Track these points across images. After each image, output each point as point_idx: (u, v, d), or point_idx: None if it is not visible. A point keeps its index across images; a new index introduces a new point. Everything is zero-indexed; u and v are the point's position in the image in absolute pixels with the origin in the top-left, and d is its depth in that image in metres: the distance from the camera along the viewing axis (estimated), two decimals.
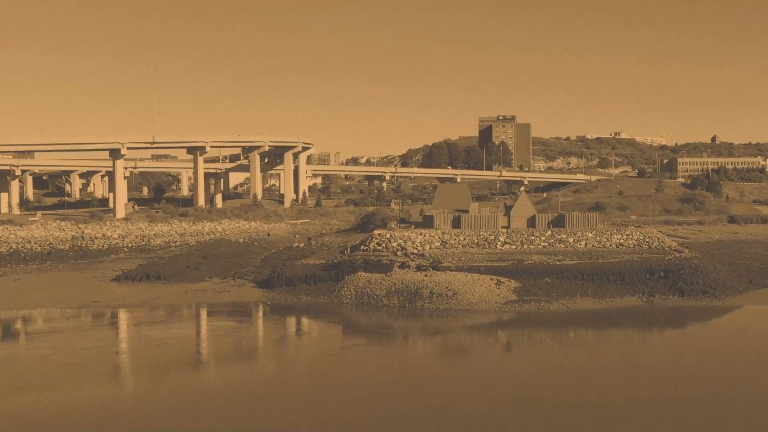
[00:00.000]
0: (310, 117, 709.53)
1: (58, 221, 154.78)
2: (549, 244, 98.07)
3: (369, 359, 61.92)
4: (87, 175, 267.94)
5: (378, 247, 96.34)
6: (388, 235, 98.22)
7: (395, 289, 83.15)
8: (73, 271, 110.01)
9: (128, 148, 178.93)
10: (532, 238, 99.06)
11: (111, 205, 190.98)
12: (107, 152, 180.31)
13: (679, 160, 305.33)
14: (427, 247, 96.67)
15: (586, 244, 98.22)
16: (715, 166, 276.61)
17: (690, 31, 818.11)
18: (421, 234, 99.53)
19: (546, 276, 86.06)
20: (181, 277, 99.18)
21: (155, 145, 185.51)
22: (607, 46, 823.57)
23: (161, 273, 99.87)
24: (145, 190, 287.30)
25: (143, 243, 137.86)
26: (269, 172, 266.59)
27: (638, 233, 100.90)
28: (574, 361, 61.23)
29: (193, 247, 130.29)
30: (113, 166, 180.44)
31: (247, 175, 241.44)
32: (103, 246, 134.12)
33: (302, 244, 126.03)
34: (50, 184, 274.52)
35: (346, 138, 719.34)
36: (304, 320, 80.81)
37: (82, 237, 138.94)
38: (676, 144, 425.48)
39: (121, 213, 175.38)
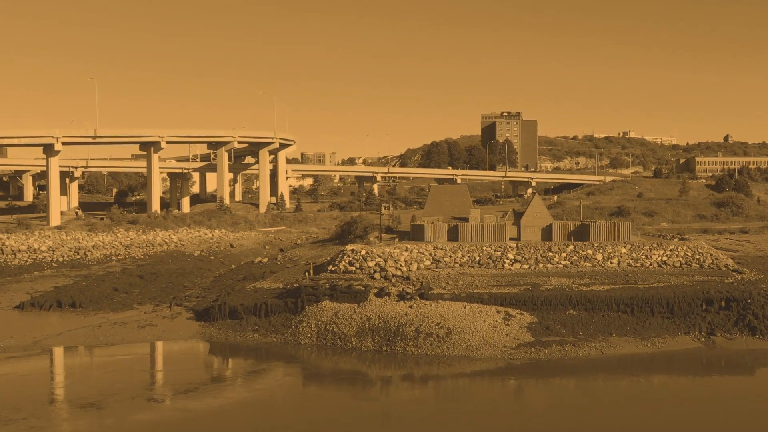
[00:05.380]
0: (306, 116, 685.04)
1: None
2: (571, 263, 77.03)
3: None
4: (43, 176, 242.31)
5: (350, 268, 75.08)
6: (363, 252, 76.55)
7: (370, 325, 63.98)
8: None
9: (64, 144, 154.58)
10: (550, 254, 77.81)
11: (64, 209, 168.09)
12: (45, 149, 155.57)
13: (697, 159, 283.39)
14: (415, 267, 75.37)
15: (619, 262, 77.36)
16: (737, 166, 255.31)
17: (698, 30, 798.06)
18: (407, 249, 77.97)
19: (570, 307, 66.58)
20: (102, 304, 79.55)
21: (97, 140, 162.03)
22: (612, 44, 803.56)
23: (77, 299, 79.87)
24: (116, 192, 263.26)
25: (78, 257, 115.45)
26: (249, 173, 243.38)
27: (685, 248, 79.35)
28: None
29: (136, 262, 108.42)
30: (47, 165, 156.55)
31: (230, 176, 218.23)
32: (26, 261, 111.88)
33: (266, 259, 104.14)
34: (11, 186, 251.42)
35: (343, 138, 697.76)
36: (245, 370, 59.78)
37: (2, 250, 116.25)
38: (688, 143, 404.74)
39: (56, 220, 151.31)
